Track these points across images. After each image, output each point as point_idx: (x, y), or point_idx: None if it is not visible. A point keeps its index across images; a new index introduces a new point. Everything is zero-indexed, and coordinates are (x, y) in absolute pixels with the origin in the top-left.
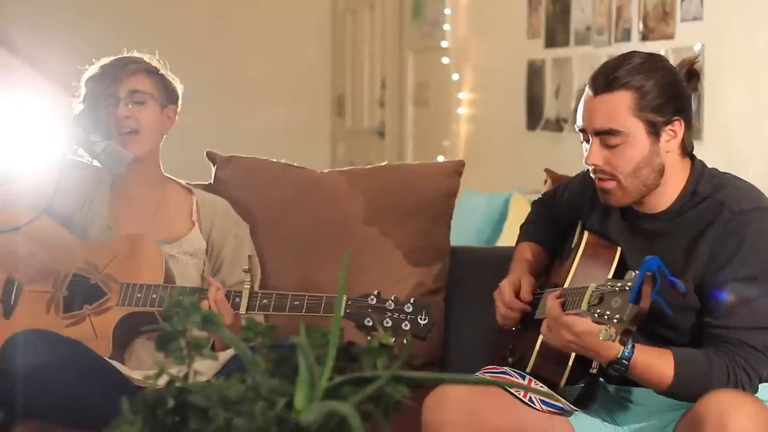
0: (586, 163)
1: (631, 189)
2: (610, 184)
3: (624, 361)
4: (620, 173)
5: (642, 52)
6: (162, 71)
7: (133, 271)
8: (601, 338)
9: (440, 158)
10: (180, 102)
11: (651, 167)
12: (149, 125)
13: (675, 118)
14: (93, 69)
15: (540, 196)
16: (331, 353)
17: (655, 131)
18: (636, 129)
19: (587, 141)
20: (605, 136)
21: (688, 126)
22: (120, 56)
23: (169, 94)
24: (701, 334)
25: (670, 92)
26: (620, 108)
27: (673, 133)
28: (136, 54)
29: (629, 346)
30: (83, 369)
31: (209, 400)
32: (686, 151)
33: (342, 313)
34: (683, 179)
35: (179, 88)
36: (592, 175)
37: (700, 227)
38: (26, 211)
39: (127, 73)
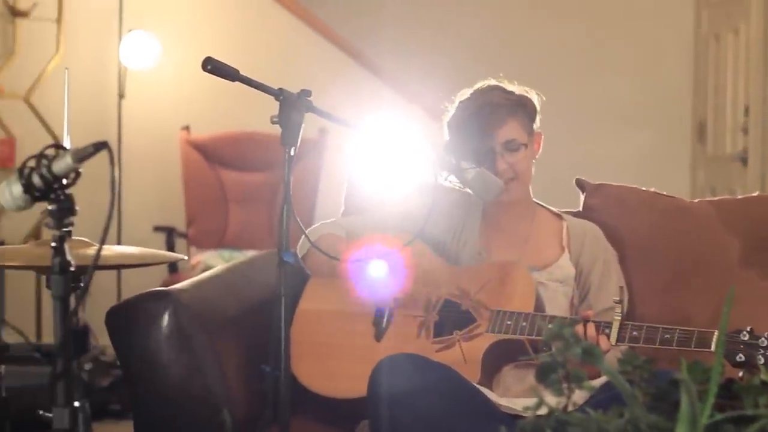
0: None
1: None
2: None
3: None
4: None
5: None
6: (520, 93)
7: (503, 297)
8: None
9: None
10: (538, 116)
11: None
12: (525, 168)
13: None
14: (465, 93)
15: None
16: (713, 390)
17: None
18: None
19: None
20: None
21: None
22: (486, 90)
23: (533, 122)
24: None
25: None
26: None
27: None
28: (496, 82)
29: None
30: (453, 394)
31: None
32: None
33: (715, 349)
34: None
35: (536, 102)
36: None
37: None
38: (400, 235)
39: (496, 125)
